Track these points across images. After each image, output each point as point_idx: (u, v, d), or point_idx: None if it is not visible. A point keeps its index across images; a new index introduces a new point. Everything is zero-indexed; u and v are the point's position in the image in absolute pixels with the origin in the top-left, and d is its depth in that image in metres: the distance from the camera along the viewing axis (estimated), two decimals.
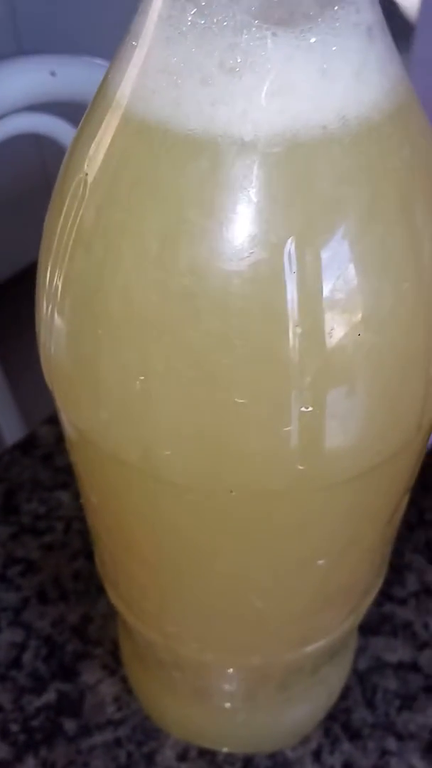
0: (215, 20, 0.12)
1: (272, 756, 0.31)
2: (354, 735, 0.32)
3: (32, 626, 0.36)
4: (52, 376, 0.17)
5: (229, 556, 0.18)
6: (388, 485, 0.18)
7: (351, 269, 0.13)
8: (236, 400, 0.14)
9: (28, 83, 0.38)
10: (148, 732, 0.32)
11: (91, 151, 0.14)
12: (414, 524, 0.40)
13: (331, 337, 0.13)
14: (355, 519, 0.18)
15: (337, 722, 0.32)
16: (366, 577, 0.22)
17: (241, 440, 0.14)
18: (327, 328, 0.13)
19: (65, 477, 0.43)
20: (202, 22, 0.12)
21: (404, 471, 0.18)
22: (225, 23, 0.12)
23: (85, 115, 0.15)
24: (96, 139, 0.14)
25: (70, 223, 0.14)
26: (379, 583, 0.25)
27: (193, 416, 0.14)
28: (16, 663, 0.34)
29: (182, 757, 0.31)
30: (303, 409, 0.14)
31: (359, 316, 0.13)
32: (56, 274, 0.15)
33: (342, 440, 0.15)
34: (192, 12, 0.12)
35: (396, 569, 0.38)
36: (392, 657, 0.34)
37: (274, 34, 0.12)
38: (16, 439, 0.47)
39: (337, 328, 0.13)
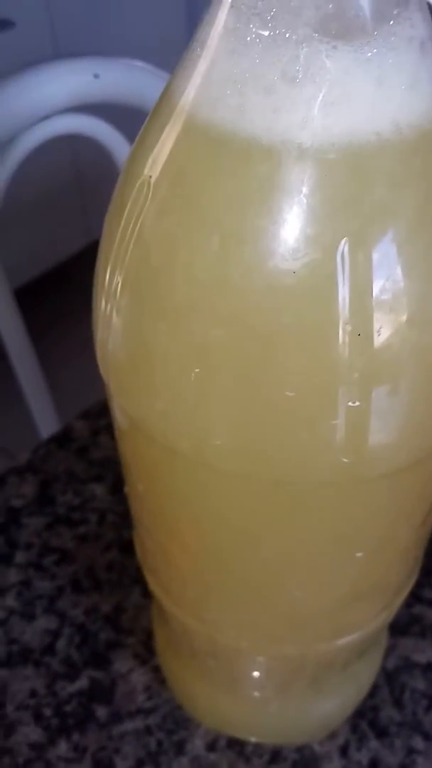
0: (278, 33, 0.13)
1: (300, 749, 0.32)
2: (381, 733, 0.32)
3: (66, 614, 0.37)
4: (109, 369, 0.18)
5: (271, 544, 0.18)
6: (426, 482, 0.18)
7: (399, 271, 0.14)
8: (287, 393, 0.15)
9: (72, 85, 0.39)
10: (178, 721, 0.33)
11: (154, 155, 0.15)
12: None
13: (378, 335, 0.14)
14: (393, 515, 0.19)
15: (365, 719, 0.33)
16: (399, 576, 0.23)
17: (290, 432, 0.15)
18: (375, 327, 0.14)
19: (99, 470, 0.44)
20: (266, 34, 0.13)
21: None
22: (288, 36, 0.13)
23: (147, 120, 0.16)
24: (160, 143, 0.15)
25: (132, 223, 0.15)
26: (410, 584, 0.25)
27: (244, 408, 0.15)
28: (50, 649, 0.36)
29: (211, 746, 0.32)
30: (350, 403, 0.15)
31: (406, 316, 0.14)
32: (116, 272, 0.16)
33: (385, 435, 0.16)
34: (257, 25, 0.13)
35: (427, 572, 0.38)
36: (421, 657, 0.35)
37: (333, 47, 0.13)
38: (51, 432, 0.49)
39: (384, 327, 0.14)
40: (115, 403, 0.19)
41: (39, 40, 1.23)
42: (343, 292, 0.14)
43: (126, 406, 0.18)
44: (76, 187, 1.36)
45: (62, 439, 0.46)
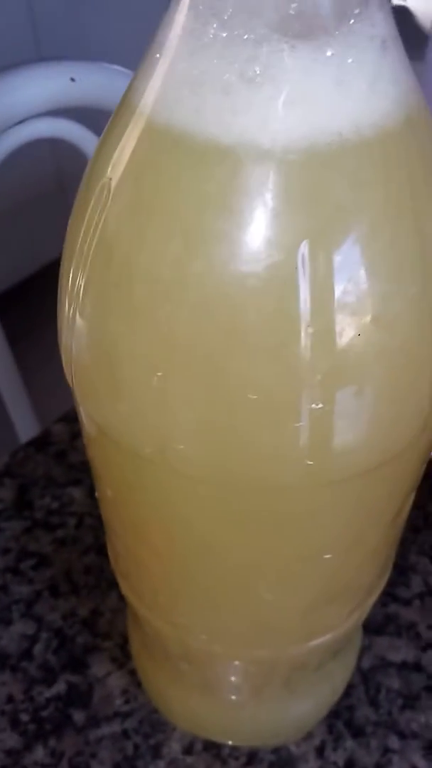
0: (236, 33, 0.13)
1: (276, 750, 0.31)
2: (357, 732, 0.32)
3: (44, 619, 0.36)
4: (73, 373, 0.17)
5: (239, 548, 0.18)
6: (393, 483, 0.18)
7: (361, 272, 0.14)
8: (249, 396, 0.14)
9: (48, 89, 0.38)
10: (154, 725, 0.32)
11: (115, 157, 0.15)
12: (420, 527, 0.40)
13: (341, 337, 0.14)
14: (361, 516, 0.18)
15: (341, 719, 0.32)
16: (370, 576, 0.22)
17: (253, 435, 0.15)
18: (337, 329, 0.14)
19: (78, 474, 0.43)
20: (224, 35, 0.13)
21: (409, 470, 0.18)
22: (246, 36, 0.13)
23: (109, 123, 0.16)
24: (120, 145, 0.15)
25: (93, 225, 0.15)
26: (382, 584, 0.25)
27: (207, 412, 0.15)
28: (27, 654, 0.35)
29: (188, 750, 0.31)
30: (313, 406, 0.14)
31: (368, 317, 0.14)
32: (79, 275, 0.16)
33: (350, 437, 0.15)
34: (214, 25, 0.13)
35: (401, 570, 0.38)
36: (396, 657, 0.35)
37: (292, 47, 0.13)
38: (30, 436, 0.48)
39: (347, 329, 0.14)
40: (81, 409, 0.18)
41: (20, 40, 1.22)
42: (305, 294, 0.13)
43: (91, 412, 0.17)
44: (58, 190, 1.35)
45: (41, 442, 0.45)
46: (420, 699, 0.34)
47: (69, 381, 0.18)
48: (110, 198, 0.15)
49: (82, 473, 0.43)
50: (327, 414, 0.15)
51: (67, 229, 0.17)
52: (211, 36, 0.13)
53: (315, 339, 0.14)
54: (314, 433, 0.15)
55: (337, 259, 0.13)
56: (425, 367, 0.15)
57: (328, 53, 0.13)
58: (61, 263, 0.17)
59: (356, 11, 0.13)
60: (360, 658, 0.34)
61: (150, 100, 0.14)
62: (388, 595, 0.37)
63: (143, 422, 0.16)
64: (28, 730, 0.33)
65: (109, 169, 0.15)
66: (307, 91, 0.13)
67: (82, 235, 0.15)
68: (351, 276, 0.14)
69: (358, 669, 0.34)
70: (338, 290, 0.14)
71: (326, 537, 0.18)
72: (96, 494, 0.23)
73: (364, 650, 0.34)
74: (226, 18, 0.13)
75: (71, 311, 0.16)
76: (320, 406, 0.14)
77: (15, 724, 0.33)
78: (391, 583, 0.37)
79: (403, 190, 0.14)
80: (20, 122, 0.40)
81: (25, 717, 0.33)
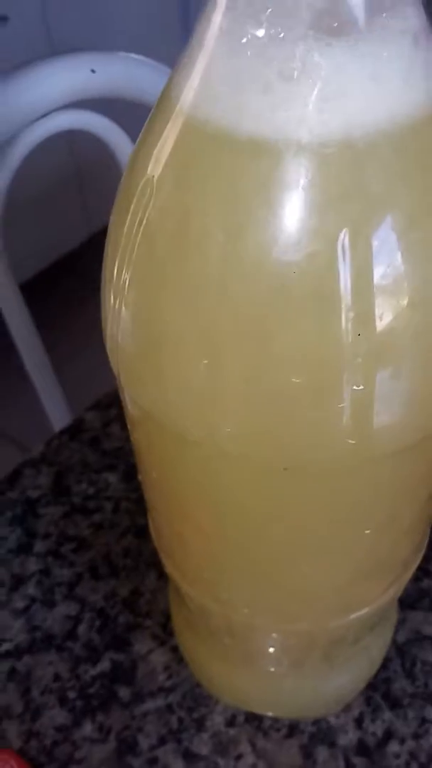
0: (273, 32, 0.13)
1: (316, 722, 0.32)
2: (394, 704, 0.33)
3: (86, 600, 0.38)
4: (120, 362, 0.18)
5: (281, 525, 0.19)
6: (429, 462, 0.19)
7: (398, 259, 0.14)
8: (293, 380, 0.15)
9: (69, 81, 0.39)
10: (197, 699, 0.33)
11: (156, 155, 0.15)
12: None
13: (380, 320, 0.15)
14: (399, 492, 0.19)
15: (378, 692, 0.34)
16: (406, 552, 0.23)
17: (297, 417, 0.16)
18: (377, 313, 0.14)
19: (112, 459, 0.44)
20: (261, 34, 0.13)
21: None
22: (282, 35, 0.13)
23: (147, 121, 0.16)
24: (161, 143, 0.15)
25: (137, 221, 0.16)
26: (418, 559, 0.26)
27: (252, 396, 0.16)
28: (71, 634, 0.36)
29: (230, 722, 0.33)
30: (354, 387, 0.15)
31: (406, 301, 0.15)
32: (124, 268, 0.16)
33: (389, 416, 0.16)
34: (251, 26, 0.13)
35: None
36: (430, 630, 0.36)
37: (328, 45, 0.13)
38: (63, 424, 0.49)
39: (385, 313, 0.15)
40: (126, 395, 0.19)
41: (33, 34, 1.22)
42: (344, 281, 0.14)
43: (137, 397, 0.18)
44: (76, 180, 1.36)
45: (74, 430, 0.47)
46: None
47: (114, 369, 0.19)
48: (153, 195, 0.15)
49: (116, 459, 0.44)
50: (367, 395, 0.15)
51: (110, 224, 0.18)
52: (249, 36, 0.13)
53: (355, 323, 0.14)
54: (355, 414, 0.16)
55: (375, 247, 0.14)
56: None
57: (362, 49, 0.13)
58: (105, 258, 0.18)
59: (388, 5, 0.14)
60: (395, 632, 0.35)
61: (189, 97, 0.15)
62: (422, 570, 0.38)
63: (190, 408, 0.17)
64: (76, 706, 0.34)
65: (151, 165, 0.16)
66: (342, 87, 0.13)
67: (126, 230, 0.16)
68: (389, 263, 0.14)
69: (394, 643, 0.35)
70: (376, 276, 0.14)
71: (366, 513, 0.19)
72: (139, 476, 0.24)
73: (399, 624, 0.35)
74: (262, 18, 0.13)
75: (117, 303, 0.17)
76: (361, 387, 0.15)
77: (63, 701, 0.34)
78: (425, 559, 0.38)
79: None
80: (43, 116, 0.40)
81: (72, 694, 0.34)
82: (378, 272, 0.14)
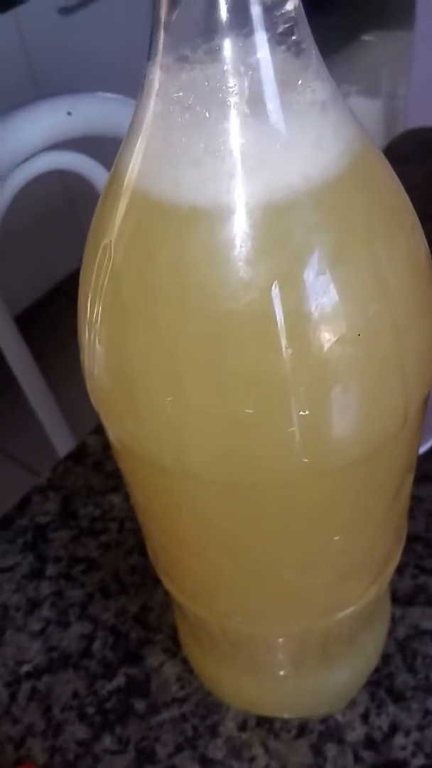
0: (198, 115, 0.16)
1: (324, 721, 0.34)
2: (398, 698, 0.35)
3: (98, 618, 0.40)
4: (96, 395, 0.20)
5: (257, 539, 0.21)
6: (383, 471, 0.21)
7: (326, 300, 0.16)
8: (246, 410, 0.17)
9: (47, 126, 0.42)
10: (210, 706, 0.35)
11: (111, 222, 0.18)
12: None
13: (315, 355, 0.17)
14: (360, 500, 0.21)
15: (382, 687, 0.35)
16: (381, 551, 0.25)
17: (254, 442, 0.18)
18: (311, 348, 0.17)
19: (115, 481, 0.47)
20: (188, 116, 0.16)
21: (398, 457, 0.21)
22: (205, 116, 0.16)
23: (105, 187, 0.19)
24: (114, 210, 0.18)
25: (105, 265, 0.18)
26: (397, 555, 0.28)
27: (213, 426, 0.18)
28: (86, 652, 0.39)
29: (242, 726, 0.35)
30: (301, 413, 0.17)
31: (336, 336, 0.17)
32: (96, 304, 0.19)
33: (335, 436, 0.18)
34: (179, 110, 0.16)
35: (427, 542, 0.40)
36: (429, 624, 0.37)
37: (245, 123, 0.15)
38: (67, 449, 0.52)
39: (319, 348, 0.17)
40: (106, 426, 0.21)
41: (14, 72, 1.26)
42: (280, 322, 0.16)
43: (114, 429, 0.20)
44: (68, 207, 1.39)
45: (78, 455, 0.49)
46: None
47: (93, 402, 0.21)
48: (113, 256, 0.18)
49: (119, 480, 0.47)
50: (313, 418, 0.17)
51: (83, 262, 0.20)
52: (179, 119, 0.16)
53: (293, 357, 0.17)
54: (304, 435, 0.18)
55: (303, 292, 0.16)
56: (394, 371, 0.18)
57: (276, 124, 0.16)
58: (80, 289, 0.20)
59: (298, 82, 0.16)
60: (395, 628, 0.37)
61: (135, 171, 0.17)
62: (417, 567, 0.39)
63: (160, 437, 0.19)
64: (94, 721, 0.36)
65: (108, 231, 0.18)
66: (261, 158, 0.16)
67: (95, 268, 0.19)
68: (317, 304, 0.16)
69: (394, 639, 0.37)
70: (308, 317, 0.16)
71: (331, 521, 0.21)
72: (130, 501, 0.27)
73: (398, 621, 0.37)
74: (189, 103, 0.16)
75: (91, 338, 0.19)
76: (306, 412, 0.17)
77: (82, 717, 0.36)
78: (420, 556, 0.40)
79: (355, 225, 0.17)
80: (26, 160, 0.43)
81: (90, 710, 0.37)
82: (308, 313, 0.16)
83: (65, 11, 1.29)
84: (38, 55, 1.28)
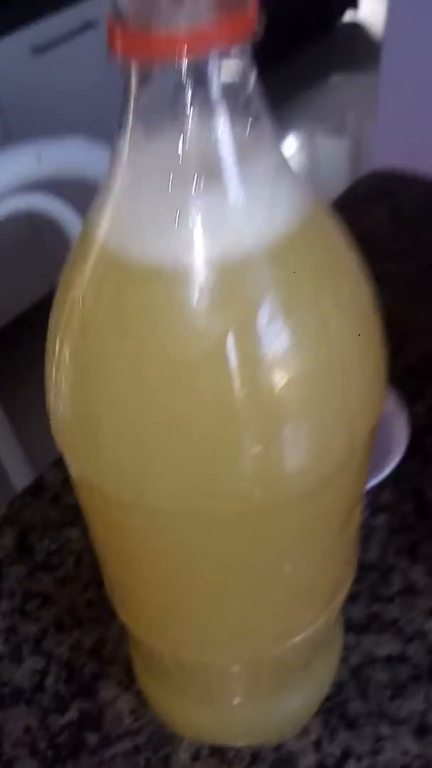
0: (162, 183, 0.18)
1: (277, 748, 0.36)
2: (350, 724, 0.37)
3: (52, 653, 0.41)
4: (60, 431, 0.22)
5: (209, 568, 0.23)
6: (332, 502, 0.23)
7: (277, 349, 0.19)
8: (202, 448, 0.19)
9: (17, 171, 0.44)
10: (163, 738, 0.37)
11: (80, 273, 0.20)
12: (396, 529, 0.44)
13: (266, 397, 0.19)
14: (309, 530, 0.23)
15: (335, 714, 0.37)
16: (332, 578, 0.27)
17: (210, 476, 0.20)
18: (263, 391, 0.19)
19: (73, 515, 0.48)
20: (153, 185, 0.18)
21: (346, 489, 0.23)
22: (170, 184, 0.18)
23: (77, 241, 0.21)
24: (84, 265, 0.20)
25: (73, 314, 0.20)
26: (348, 582, 0.30)
27: (173, 464, 0.20)
28: (39, 687, 0.39)
29: (195, 757, 0.36)
30: (252, 450, 0.19)
31: (285, 381, 0.19)
32: (64, 346, 0.21)
33: (286, 470, 0.20)
34: (143, 183, 0.18)
35: (381, 571, 0.42)
36: (382, 651, 0.39)
37: (203, 194, 0.18)
38: (23, 482, 0.52)
39: (270, 390, 0.19)
40: (67, 460, 0.23)
41: None
42: (234, 368, 0.19)
43: (76, 464, 0.22)
44: (34, 240, 1.40)
45: (35, 488, 0.50)
46: (407, 688, 0.38)
47: (55, 438, 0.23)
48: (80, 307, 0.20)
49: (76, 514, 0.48)
50: (265, 454, 0.20)
51: (52, 309, 0.22)
52: (142, 191, 0.18)
53: (245, 402, 0.19)
54: (258, 470, 0.20)
55: (256, 342, 0.19)
56: (341, 411, 0.21)
57: (231, 193, 0.18)
58: (49, 329, 0.22)
59: (253, 154, 0.18)
60: (348, 656, 0.39)
61: (104, 232, 0.20)
62: (371, 595, 0.41)
63: (121, 474, 0.21)
64: (47, 756, 0.37)
65: (76, 282, 0.20)
66: (217, 224, 0.18)
67: (65, 315, 0.21)
68: (268, 352, 0.19)
69: (348, 666, 0.38)
70: (260, 363, 0.19)
71: (281, 551, 0.23)
72: (89, 535, 0.28)
73: (351, 648, 0.39)
74: (153, 174, 0.18)
75: (57, 377, 0.21)
76: (259, 448, 0.19)
77: (34, 752, 0.37)
78: (373, 584, 0.42)
79: (304, 280, 0.19)
80: None
81: (42, 745, 0.37)
82: (260, 360, 0.19)
83: (37, 50, 1.32)
84: (9, 93, 1.31)
